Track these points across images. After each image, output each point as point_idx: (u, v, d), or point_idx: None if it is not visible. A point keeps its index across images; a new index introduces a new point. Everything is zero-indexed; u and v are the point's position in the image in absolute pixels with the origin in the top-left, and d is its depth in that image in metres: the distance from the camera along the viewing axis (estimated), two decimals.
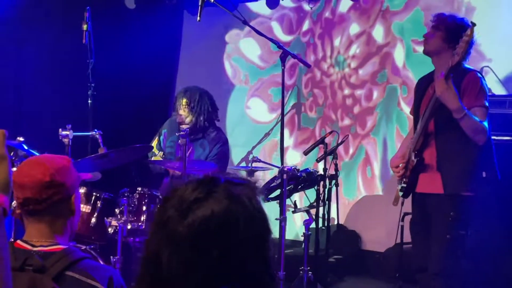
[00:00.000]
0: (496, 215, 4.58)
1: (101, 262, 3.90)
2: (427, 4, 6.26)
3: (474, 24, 3.62)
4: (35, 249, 2.09)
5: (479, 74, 3.96)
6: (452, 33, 3.89)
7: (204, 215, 1.20)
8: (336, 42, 7.01)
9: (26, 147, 4.37)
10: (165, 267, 1.21)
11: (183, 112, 4.77)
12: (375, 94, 6.72)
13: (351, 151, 6.87)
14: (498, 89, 5.73)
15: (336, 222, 6.26)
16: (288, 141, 7.18)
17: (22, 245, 2.11)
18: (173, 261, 1.21)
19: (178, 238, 1.21)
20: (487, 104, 3.86)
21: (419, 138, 3.91)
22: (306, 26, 7.27)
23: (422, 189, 3.96)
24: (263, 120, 7.49)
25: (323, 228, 5.11)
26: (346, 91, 6.94)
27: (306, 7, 7.17)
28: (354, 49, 6.87)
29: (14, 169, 4.33)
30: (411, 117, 4.31)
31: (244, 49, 7.63)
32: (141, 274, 1.28)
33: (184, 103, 4.77)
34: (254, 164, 4.79)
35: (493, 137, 4.07)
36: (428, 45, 3.98)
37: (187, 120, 4.76)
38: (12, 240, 2.24)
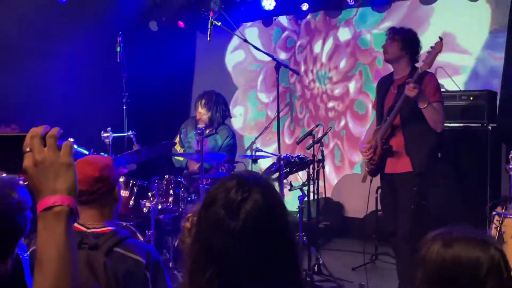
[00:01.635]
0: (445, 187, 4.63)
1: (139, 236, 3.95)
2: None
3: (441, 39, 3.66)
4: (89, 230, 2.10)
5: (434, 76, 3.99)
6: (407, 42, 3.93)
7: (251, 209, 1.22)
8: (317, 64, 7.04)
9: (75, 146, 4.39)
10: (225, 259, 1.21)
11: (202, 109, 4.75)
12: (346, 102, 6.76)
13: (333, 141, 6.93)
14: (450, 85, 5.76)
15: (324, 196, 6.29)
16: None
17: (78, 227, 2.12)
18: (235, 253, 1.21)
19: (234, 232, 1.21)
20: (442, 99, 3.90)
21: (387, 129, 3.93)
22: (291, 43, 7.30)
23: (391, 170, 3.98)
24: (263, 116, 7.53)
25: (314, 200, 5.13)
26: (325, 97, 6.98)
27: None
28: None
29: None
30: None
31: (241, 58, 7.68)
32: (199, 272, 1.24)
33: (203, 103, 4.75)
34: (257, 153, 4.79)
35: (445, 124, 4.10)
36: (388, 54, 3.98)
37: (205, 116, 4.74)
38: None
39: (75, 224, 2.17)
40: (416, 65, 3.96)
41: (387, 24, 6.27)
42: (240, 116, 7.62)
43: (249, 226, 1.21)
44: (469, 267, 1.31)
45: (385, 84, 4.16)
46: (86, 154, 4.29)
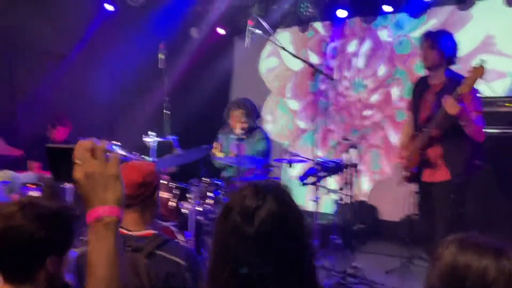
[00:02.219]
0: (483, 194, 4.55)
1: (179, 236, 4.03)
2: None
3: (483, 61, 3.54)
4: (131, 233, 2.16)
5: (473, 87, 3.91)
6: (447, 50, 3.85)
7: (266, 216, 1.26)
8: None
9: (120, 150, 4.50)
10: (242, 262, 1.25)
11: (240, 120, 4.80)
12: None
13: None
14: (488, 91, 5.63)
15: (359, 199, 6.26)
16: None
17: (121, 230, 2.19)
18: (250, 256, 1.25)
19: (250, 238, 1.25)
20: (481, 109, 3.84)
21: (424, 140, 3.90)
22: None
23: (428, 179, 3.95)
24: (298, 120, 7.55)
25: (349, 204, 5.12)
26: (360, 105, 6.94)
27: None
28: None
29: None
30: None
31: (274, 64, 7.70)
32: (218, 272, 1.29)
33: (240, 114, 4.79)
34: (293, 158, 4.81)
35: (484, 130, 4.02)
36: (427, 61, 3.90)
37: (245, 125, 4.80)
38: None
39: None
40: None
41: (425, 29, 6.18)
42: (270, 122, 7.64)
43: (263, 232, 1.25)
44: (476, 275, 1.29)
45: (420, 88, 4.10)
46: (129, 158, 4.42)
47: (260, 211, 1.26)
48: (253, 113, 4.86)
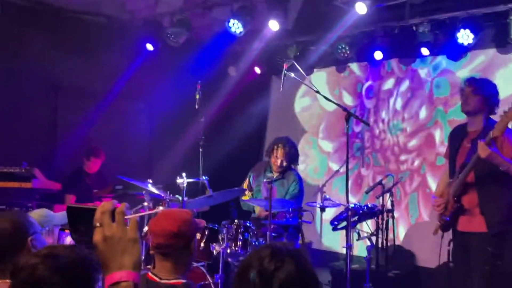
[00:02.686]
0: None
1: (209, 277, 4.02)
2: None
3: None
4: (162, 281, 2.17)
5: (510, 130, 3.84)
6: (490, 97, 3.82)
7: (285, 279, 1.26)
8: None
9: (152, 188, 4.57)
10: None
11: (281, 156, 4.81)
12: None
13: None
14: None
15: (393, 244, 6.10)
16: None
17: (152, 277, 2.20)
18: None
19: None
20: None
21: (459, 187, 3.80)
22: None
23: (464, 229, 3.86)
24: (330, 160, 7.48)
25: (383, 249, 4.98)
26: (397, 149, 6.85)
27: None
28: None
29: (146, 204, 4.59)
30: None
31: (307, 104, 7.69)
32: None
33: (286, 150, 4.81)
34: (325, 202, 4.76)
35: None
36: (469, 106, 3.85)
37: (284, 163, 4.81)
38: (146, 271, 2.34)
39: (149, 274, 2.26)
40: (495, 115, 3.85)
41: (465, 72, 6.11)
42: (303, 163, 7.57)
43: None
44: None
45: (458, 135, 4.06)
46: (162, 197, 4.48)
47: (279, 274, 1.26)
48: (292, 153, 4.86)
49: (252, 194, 4.90)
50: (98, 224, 1.21)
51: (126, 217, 1.24)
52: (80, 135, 6.21)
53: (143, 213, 4.56)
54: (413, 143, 6.72)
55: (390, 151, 6.94)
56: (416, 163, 6.67)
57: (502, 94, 4.03)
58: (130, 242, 1.21)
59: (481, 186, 3.75)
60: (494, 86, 3.88)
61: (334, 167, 7.28)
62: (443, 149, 6.23)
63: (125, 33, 6.53)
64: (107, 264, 1.20)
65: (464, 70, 6.21)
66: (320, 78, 7.39)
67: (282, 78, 4.44)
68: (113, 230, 1.21)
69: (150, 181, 4.66)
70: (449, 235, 4.27)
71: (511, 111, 3.50)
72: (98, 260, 1.75)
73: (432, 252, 5.98)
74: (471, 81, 3.91)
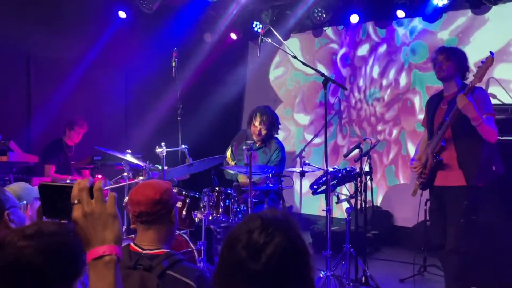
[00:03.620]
0: (498, 202, 4.50)
1: (191, 245, 4.05)
2: None
3: (492, 54, 3.68)
4: (144, 251, 2.16)
5: (484, 90, 3.98)
6: (462, 62, 3.97)
7: (273, 253, 1.24)
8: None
9: (132, 158, 4.54)
10: None
11: (260, 125, 4.81)
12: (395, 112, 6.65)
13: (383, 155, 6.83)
14: (503, 97, 5.57)
15: (372, 205, 6.23)
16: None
17: (135, 248, 2.20)
18: None
19: (256, 275, 1.23)
20: (493, 111, 3.88)
21: (438, 143, 3.90)
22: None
23: (441, 183, 3.94)
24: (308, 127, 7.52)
25: (362, 211, 5.07)
26: (374, 118, 6.89)
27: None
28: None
29: (125, 174, 4.56)
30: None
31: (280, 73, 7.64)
32: None
33: (264, 119, 4.80)
34: (304, 167, 4.79)
35: (498, 138, 4.01)
36: (444, 72, 3.98)
37: (263, 132, 4.81)
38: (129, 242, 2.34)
39: (132, 245, 2.26)
40: (467, 80, 3.96)
41: (443, 35, 6.14)
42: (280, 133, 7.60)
43: (270, 269, 1.23)
44: None
45: (434, 101, 4.19)
46: (142, 167, 4.45)
47: (268, 247, 1.24)
48: (273, 122, 4.87)
49: (235, 163, 4.92)
50: (76, 201, 1.22)
51: (105, 188, 1.24)
52: (54, 106, 6.11)
53: (123, 183, 4.54)
54: (390, 114, 6.78)
55: (367, 121, 6.99)
56: (394, 133, 6.75)
57: (479, 56, 4.08)
58: (110, 217, 1.23)
59: (458, 141, 3.86)
60: (464, 53, 4.05)
61: (310, 138, 7.30)
62: (421, 116, 6.33)
63: (97, 0, 6.36)
64: (89, 239, 1.22)
65: (443, 32, 6.24)
66: (294, 46, 7.36)
67: (259, 44, 4.40)
68: (92, 207, 1.22)
69: (129, 151, 4.63)
70: (425, 195, 4.38)
71: (489, 59, 3.65)
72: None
73: (409, 212, 6.18)
74: (443, 49, 4.06)
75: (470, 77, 3.86)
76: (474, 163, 3.83)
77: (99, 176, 5.57)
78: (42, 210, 1.27)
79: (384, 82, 6.81)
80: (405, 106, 6.64)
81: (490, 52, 3.71)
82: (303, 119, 7.56)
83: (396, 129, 6.72)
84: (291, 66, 7.59)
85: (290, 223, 1.32)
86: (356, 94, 7.04)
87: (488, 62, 3.67)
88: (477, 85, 3.77)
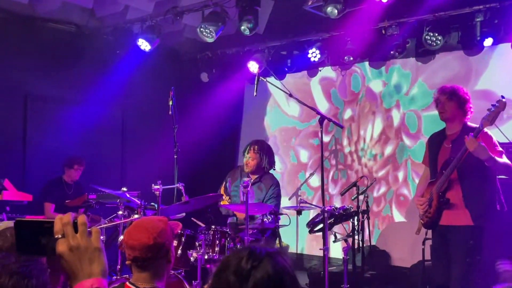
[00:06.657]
0: (502, 240, 4.46)
1: (186, 285, 3.97)
2: None
3: (503, 97, 3.72)
4: None
5: (487, 132, 3.96)
6: (463, 102, 3.97)
7: (261, 278, 1.27)
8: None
9: (128, 195, 4.50)
10: None
11: (252, 155, 4.81)
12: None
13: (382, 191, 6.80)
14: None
15: (369, 245, 6.15)
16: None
17: (130, 286, 2.18)
18: None
19: None
20: (500, 148, 3.91)
21: (444, 183, 3.88)
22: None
23: (447, 222, 3.93)
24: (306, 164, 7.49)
25: (359, 250, 5.01)
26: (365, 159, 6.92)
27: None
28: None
29: (120, 212, 4.51)
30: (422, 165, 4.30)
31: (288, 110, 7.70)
32: None
33: (256, 149, 4.81)
34: (302, 205, 4.77)
35: (498, 177, 4.03)
36: (446, 113, 4.01)
37: (253, 162, 4.79)
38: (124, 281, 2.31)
39: (127, 283, 2.22)
40: (470, 122, 4.00)
41: (436, 79, 6.19)
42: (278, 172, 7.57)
43: None
44: None
45: (437, 139, 4.19)
46: (137, 204, 4.41)
47: (256, 272, 1.27)
48: (266, 154, 4.85)
49: (229, 199, 4.89)
50: (59, 236, 1.22)
51: (99, 226, 1.24)
52: (51, 145, 6.09)
53: (117, 222, 4.48)
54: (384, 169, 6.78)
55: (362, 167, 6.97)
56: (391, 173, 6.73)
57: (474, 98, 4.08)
58: (96, 251, 1.24)
59: (465, 180, 3.87)
60: (465, 92, 4.05)
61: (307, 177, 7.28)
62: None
63: (95, 40, 6.44)
64: (75, 272, 1.22)
65: (435, 76, 6.30)
66: (291, 84, 7.41)
67: (256, 83, 4.45)
68: (78, 240, 1.22)
69: (125, 188, 4.60)
70: (422, 234, 4.33)
71: (501, 102, 3.67)
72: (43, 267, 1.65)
73: (406, 252, 6.11)
74: (444, 89, 4.06)
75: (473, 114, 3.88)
76: (480, 202, 3.85)
77: (89, 214, 5.51)
78: (16, 247, 1.25)
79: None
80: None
81: (501, 96, 3.75)
82: (301, 156, 7.53)
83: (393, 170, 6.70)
84: (284, 110, 7.60)
85: (278, 252, 1.36)
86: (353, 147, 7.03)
87: (500, 106, 3.69)
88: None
